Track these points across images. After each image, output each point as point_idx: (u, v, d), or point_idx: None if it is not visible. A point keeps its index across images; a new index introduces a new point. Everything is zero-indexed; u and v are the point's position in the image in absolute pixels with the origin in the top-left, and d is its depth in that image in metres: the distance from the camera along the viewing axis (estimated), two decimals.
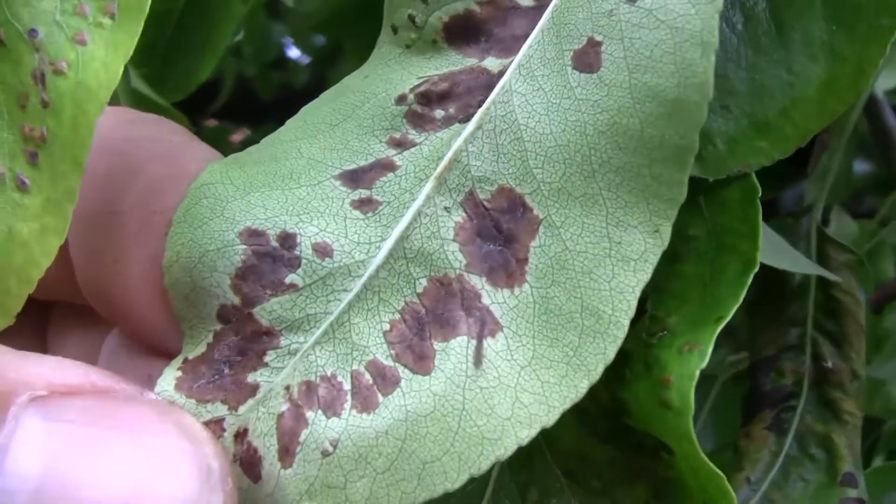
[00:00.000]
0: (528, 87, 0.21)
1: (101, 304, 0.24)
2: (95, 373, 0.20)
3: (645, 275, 0.20)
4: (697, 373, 0.19)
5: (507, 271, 0.20)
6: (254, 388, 0.21)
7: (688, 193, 0.20)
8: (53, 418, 0.19)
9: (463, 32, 0.22)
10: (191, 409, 0.21)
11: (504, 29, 0.22)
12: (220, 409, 0.21)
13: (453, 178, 0.21)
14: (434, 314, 0.20)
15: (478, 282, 0.20)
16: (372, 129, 0.22)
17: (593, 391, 0.20)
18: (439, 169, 0.21)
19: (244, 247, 0.21)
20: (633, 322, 0.20)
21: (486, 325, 0.20)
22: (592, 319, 0.20)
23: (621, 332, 0.20)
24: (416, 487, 0.19)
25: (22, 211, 0.22)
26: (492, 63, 0.22)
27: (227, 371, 0.21)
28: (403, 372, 0.20)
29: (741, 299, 0.20)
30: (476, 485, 0.22)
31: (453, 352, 0.20)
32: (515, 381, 0.20)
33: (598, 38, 0.21)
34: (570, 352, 0.20)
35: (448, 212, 0.21)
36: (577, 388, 0.19)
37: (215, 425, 0.21)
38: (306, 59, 1.14)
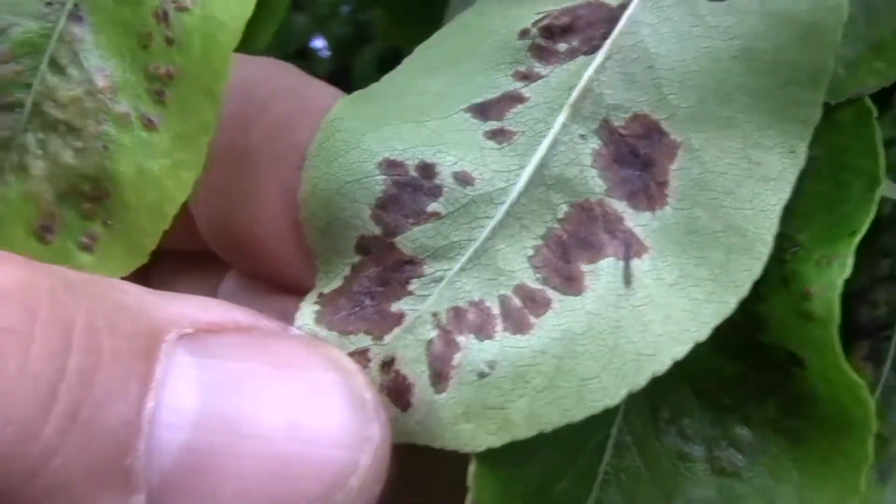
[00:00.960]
0: (655, 17, 0.22)
1: (226, 243, 0.24)
2: (238, 310, 0.20)
3: (784, 193, 0.20)
4: (840, 283, 0.20)
5: (647, 194, 0.21)
6: (399, 317, 0.21)
7: None
8: (204, 354, 0.19)
9: None
10: (333, 342, 0.21)
11: None
12: (363, 340, 0.21)
13: (587, 106, 0.21)
14: (577, 238, 0.21)
15: (619, 205, 0.21)
16: (496, 64, 0.22)
17: None
18: (573, 98, 0.22)
19: (384, 177, 0.21)
20: None
21: (631, 247, 0.21)
22: (737, 237, 0.20)
23: (766, 249, 0.20)
24: (576, 404, 0.20)
25: (151, 149, 0.22)
26: None
27: (368, 302, 0.21)
28: (553, 294, 0.20)
29: (872, 214, 0.21)
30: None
31: (603, 272, 0.20)
32: (665, 298, 0.20)
33: None
34: (716, 269, 0.20)
35: (584, 139, 0.21)
36: (726, 303, 0.20)
37: (360, 356, 0.21)
38: (327, 52, 1.14)
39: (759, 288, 0.21)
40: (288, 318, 0.22)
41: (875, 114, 0.22)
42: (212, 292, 0.25)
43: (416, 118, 0.22)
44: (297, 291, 0.23)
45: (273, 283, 0.24)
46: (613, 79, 0.22)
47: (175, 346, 0.19)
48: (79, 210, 0.23)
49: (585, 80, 0.22)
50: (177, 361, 0.19)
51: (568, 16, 0.22)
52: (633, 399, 0.22)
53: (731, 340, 0.22)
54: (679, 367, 0.22)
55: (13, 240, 0.23)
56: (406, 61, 0.23)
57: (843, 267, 0.20)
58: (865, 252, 0.33)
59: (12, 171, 0.23)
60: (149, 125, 0.22)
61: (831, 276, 0.20)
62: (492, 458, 0.20)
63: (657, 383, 0.22)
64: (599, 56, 0.22)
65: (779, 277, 0.21)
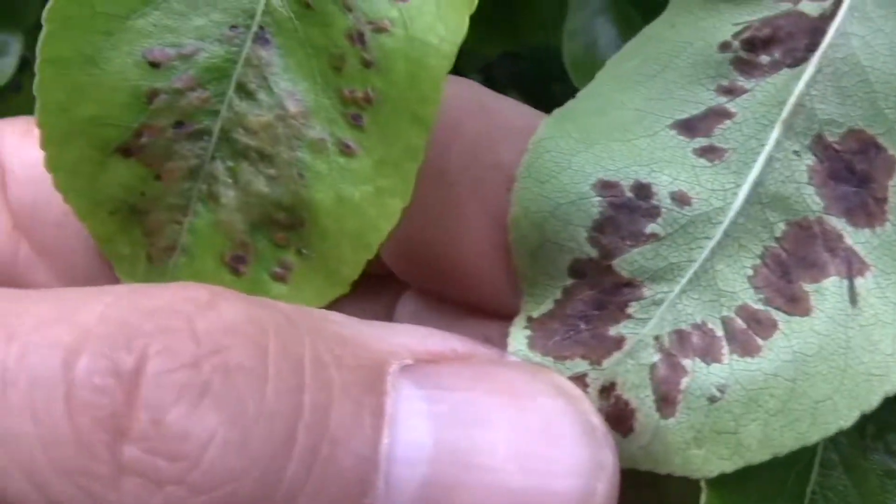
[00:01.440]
0: (866, 29, 0.21)
1: (417, 265, 0.23)
2: (454, 338, 0.20)
3: None
4: None
5: (865, 211, 0.21)
6: (618, 341, 0.21)
7: None
8: (429, 386, 0.19)
9: None
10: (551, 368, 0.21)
11: None
12: (580, 365, 0.21)
13: (799, 122, 0.21)
14: (796, 257, 0.21)
15: (837, 223, 0.21)
16: (697, 78, 0.22)
17: None
18: (784, 114, 0.21)
19: (599, 198, 0.21)
20: None
21: (853, 265, 0.20)
22: None
23: None
24: (810, 427, 0.20)
25: (350, 175, 0.21)
26: (808, 6, 0.22)
27: (583, 326, 0.21)
28: (778, 314, 0.20)
29: None
30: None
31: (828, 292, 0.20)
32: (892, 317, 0.20)
33: None
34: None
35: (798, 156, 0.21)
36: None
37: (577, 381, 0.21)
38: None
39: None
40: (491, 343, 0.21)
41: None
42: (384, 316, 0.25)
43: (622, 136, 0.21)
44: (493, 315, 0.23)
45: (465, 306, 0.23)
46: (826, 93, 0.21)
47: (399, 377, 0.18)
48: (271, 239, 0.22)
49: (797, 94, 0.21)
50: (404, 394, 0.18)
51: (769, 27, 0.22)
52: None
53: None
54: None
55: (204, 271, 0.22)
56: (599, 76, 0.23)
57: None
58: None
59: (201, 200, 0.22)
60: (346, 150, 0.21)
61: None
62: (720, 484, 0.20)
63: None
64: (809, 69, 0.21)
65: None
